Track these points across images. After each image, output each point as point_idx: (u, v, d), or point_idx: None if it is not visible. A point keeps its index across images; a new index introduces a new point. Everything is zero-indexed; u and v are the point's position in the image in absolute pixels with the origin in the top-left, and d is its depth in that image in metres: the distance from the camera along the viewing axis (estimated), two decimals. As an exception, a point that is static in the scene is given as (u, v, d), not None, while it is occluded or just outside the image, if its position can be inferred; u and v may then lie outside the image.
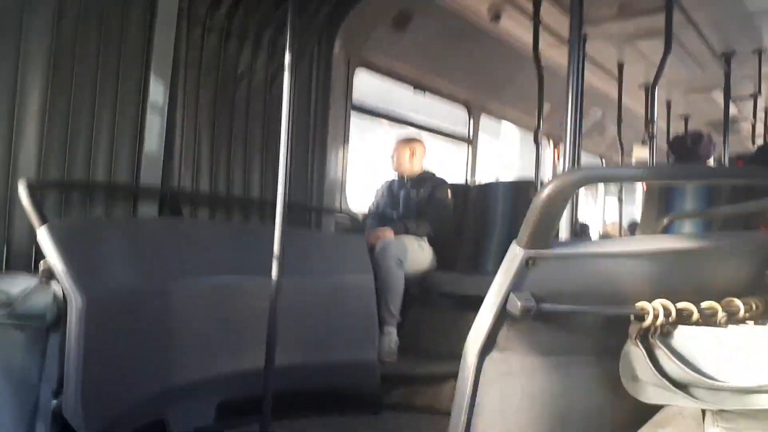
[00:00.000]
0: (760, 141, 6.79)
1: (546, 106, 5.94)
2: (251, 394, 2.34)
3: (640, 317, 1.20)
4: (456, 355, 3.51)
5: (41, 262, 1.88)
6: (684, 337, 1.20)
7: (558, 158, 5.82)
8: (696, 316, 1.21)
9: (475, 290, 3.32)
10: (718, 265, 1.39)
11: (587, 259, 1.32)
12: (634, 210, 8.52)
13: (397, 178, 4.04)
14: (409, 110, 4.69)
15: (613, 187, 8.55)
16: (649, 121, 3.56)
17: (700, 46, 4.58)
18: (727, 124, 5.21)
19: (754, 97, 6.05)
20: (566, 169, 2.09)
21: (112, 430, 1.98)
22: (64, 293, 1.83)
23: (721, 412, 1.14)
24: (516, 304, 1.21)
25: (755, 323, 1.28)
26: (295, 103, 3.24)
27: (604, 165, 7.79)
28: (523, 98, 5.59)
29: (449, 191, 3.93)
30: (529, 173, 4.73)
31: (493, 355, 1.30)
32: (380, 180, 4.15)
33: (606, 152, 7.59)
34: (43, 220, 1.92)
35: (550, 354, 1.34)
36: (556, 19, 4.33)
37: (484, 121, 5.38)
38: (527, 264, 1.20)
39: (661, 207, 3.26)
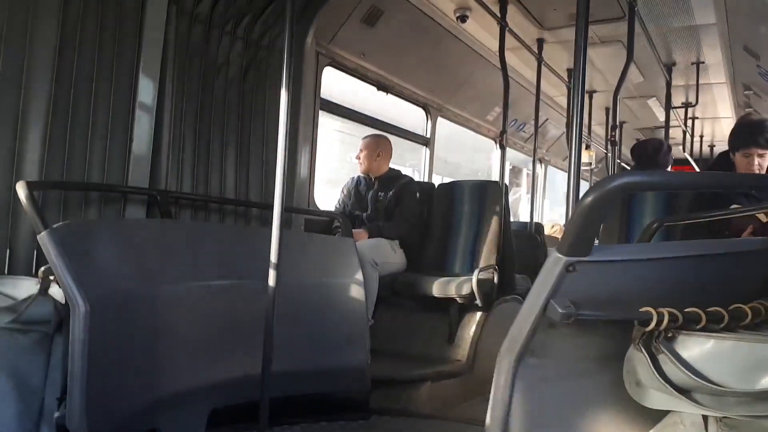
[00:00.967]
0: (689, 147, 7.26)
1: (496, 109, 6.07)
2: (243, 401, 2.30)
3: (644, 322, 1.20)
4: (427, 356, 3.50)
5: (41, 270, 1.85)
6: (689, 342, 1.20)
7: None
8: (704, 321, 1.20)
9: (441, 291, 3.38)
10: (759, 270, 1.42)
11: (625, 265, 1.32)
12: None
13: (363, 177, 3.98)
14: (371, 110, 4.64)
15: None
16: (612, 126, 3.68)
17: (649, 55, 4.80)
18: (667, 131, 5.49)
19: (686, 105, 6.45)
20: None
21: None
22: (66, 298, 1.81)
23: (725, 420, 1.14)
24: (556, 311, 1.19)
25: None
26: (268, 100, 3.13)
27: (543, 168, 8.06)
28: (476, 101, 5.68)
29: (417, 192, 3.91)
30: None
31: (529, 361, 1.28)
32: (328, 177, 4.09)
33: (546, 155, 7.86)
34: (44, 223, 1.88)
35: (585, 359, 1.35)
36: (518, 22, 4.41)
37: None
38: (567, 271, 1.19)
39: (623, 214, 3.36)
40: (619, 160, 4.14)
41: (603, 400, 1.36)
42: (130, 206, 2.47)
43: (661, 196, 3.25)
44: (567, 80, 5.56)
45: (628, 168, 6.84)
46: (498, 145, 4.17)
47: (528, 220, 5.26)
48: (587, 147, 6.64)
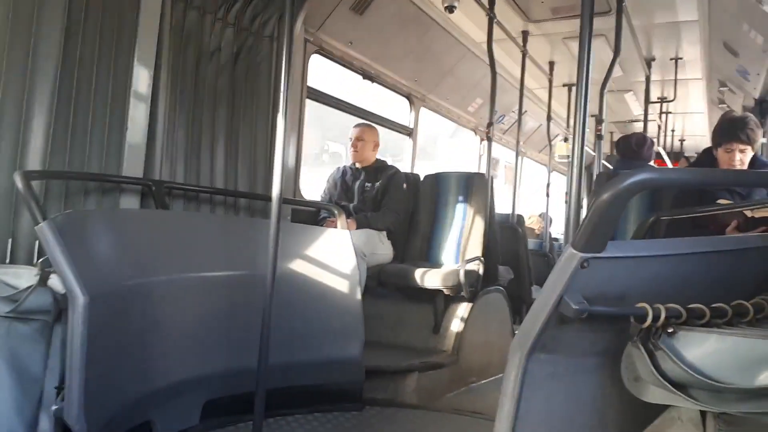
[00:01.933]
0: (663, 141, 7.39)
1: (477, 101, 6.08)
2: (237, 392, 2.29)
3: (640, 318, 1.20)
4: (413, 347, 3.50)
5: (40, 261, 1.81)
6: (690, 338, 1.20)
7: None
8: (707, 317, 1.22)
9: (428, 282, 3.38)
10: (762, 265, 1.45)
11: (636, 261, 1.33)
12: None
13: (349, 167, 3.94)
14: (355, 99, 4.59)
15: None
16: (598, 120, 3.72)
17: (630, 50, 4.85)
18: (646, 125, 5.58)
19: (662, 100, 6.56)
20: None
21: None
22: (64, 288, 1.78)
23: (723, 416, 1.15)
24: (570, 307, 1.19)
25: None
26: (257, 87, 3.07)
27: (520, 160, 8.12)
28: (458, 91, 5.68)
29: (404, 183, 3.89)
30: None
31: (540, 357, 1.29)
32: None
33: (523, 147, 7.91)
34: (42, 213, 1.85)
35: (596, 354, 1.36)
36: (504, 14, 4.41)
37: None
38: (582, 266, 1.20)
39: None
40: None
41: (611, 396, 1.37)
42: (124, 196, 2.43)
43: (645, 195, 3.28)
44: (548, 73, 5.59)
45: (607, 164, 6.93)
46: (485, 137, 4.15)
47: (509, 211, 5.29)
48: (565, 140, 6.72)
